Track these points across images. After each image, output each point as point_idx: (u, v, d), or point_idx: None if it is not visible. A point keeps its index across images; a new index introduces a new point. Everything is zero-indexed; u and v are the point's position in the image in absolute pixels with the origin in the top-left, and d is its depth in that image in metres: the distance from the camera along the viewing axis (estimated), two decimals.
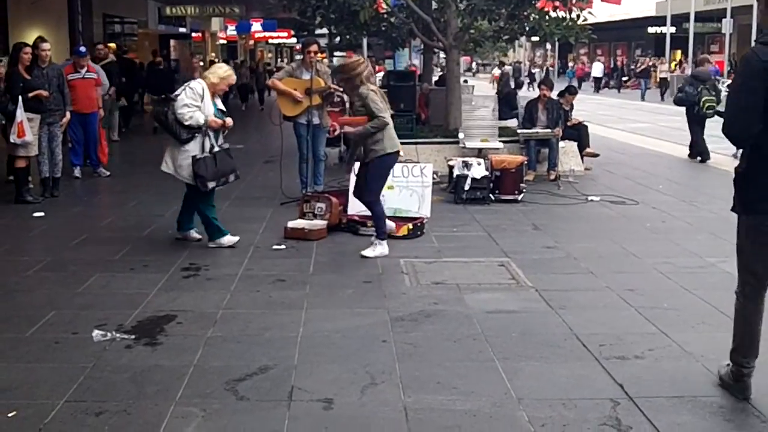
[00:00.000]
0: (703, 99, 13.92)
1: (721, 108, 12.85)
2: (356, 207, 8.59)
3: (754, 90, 4.07)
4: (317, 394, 4.52)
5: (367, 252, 7.58)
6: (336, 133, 8.42)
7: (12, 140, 9.76)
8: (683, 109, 14.70)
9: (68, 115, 11.05)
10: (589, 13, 14.41)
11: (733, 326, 4.54)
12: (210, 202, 7.95)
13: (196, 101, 7.57)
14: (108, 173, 12.50)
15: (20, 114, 9.77)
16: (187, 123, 7.51)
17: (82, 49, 12.71)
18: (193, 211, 8.10)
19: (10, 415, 4.26)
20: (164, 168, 7.78)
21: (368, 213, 8.04)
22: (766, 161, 4.17)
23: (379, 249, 7.60)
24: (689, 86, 14.54)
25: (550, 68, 55.27)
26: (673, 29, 37.48)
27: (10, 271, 7.15)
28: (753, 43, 4.38)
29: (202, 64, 12.70)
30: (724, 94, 14.39)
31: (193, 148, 7.61)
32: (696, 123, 14.43)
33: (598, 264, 7.38)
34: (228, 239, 7.95)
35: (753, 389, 4.47)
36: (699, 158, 14.29)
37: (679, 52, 42.33)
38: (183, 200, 8.12)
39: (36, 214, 9.53)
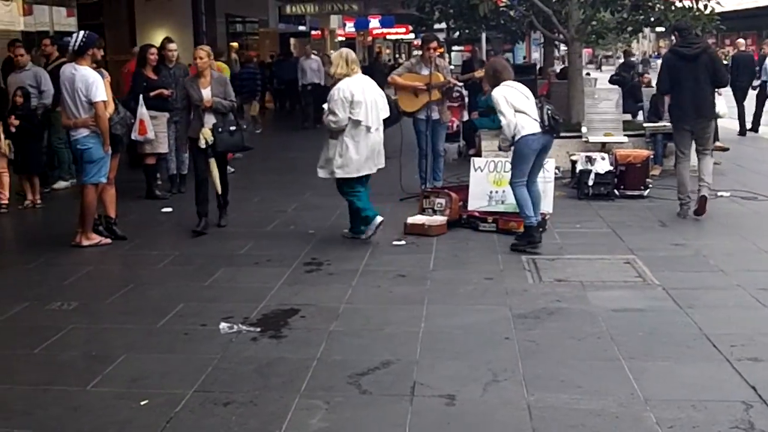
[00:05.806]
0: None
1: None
2: (476, 203, 8.56)
3: (665, 71, 8.91)
4: (439, 389, 4.51)
5: None
6: (456, 128, 8.39)
7: (133, 137, 10.02)
8: None
9: None
10: (717, 2, 13.92)
11: None
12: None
13: None
14: (233, 170, 12.76)
15: (141, 112, 10.09)
16: None
17: None
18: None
19: (142, 403, 4.42)
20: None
21: (488, 209, 7.95)
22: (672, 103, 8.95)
23: None
24: (623, 71, 17.50)
25: None
26: None
27: (141, 265, 7.43)
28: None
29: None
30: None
31: None
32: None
33: (729, 262, 7.11)
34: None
35: None
36: None
37: None
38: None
39: (164, 210, 9.88)
